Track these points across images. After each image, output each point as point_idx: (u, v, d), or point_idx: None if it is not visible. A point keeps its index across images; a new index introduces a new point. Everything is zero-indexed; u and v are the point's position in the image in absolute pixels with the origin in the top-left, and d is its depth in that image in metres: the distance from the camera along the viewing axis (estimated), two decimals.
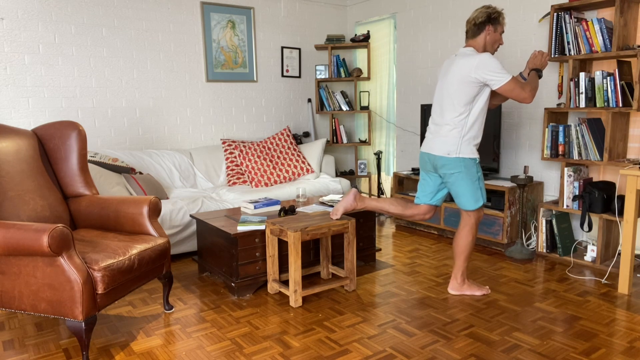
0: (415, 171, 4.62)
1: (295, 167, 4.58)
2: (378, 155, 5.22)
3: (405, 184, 4.71)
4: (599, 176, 3.62)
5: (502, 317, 2.64)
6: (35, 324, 2.65)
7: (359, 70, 5.22)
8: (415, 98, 5.01)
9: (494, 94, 2.91)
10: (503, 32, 2.81)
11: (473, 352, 2.28)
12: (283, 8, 5.15)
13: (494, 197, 3.81)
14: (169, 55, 4.49)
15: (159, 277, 2.69)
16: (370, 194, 5.53)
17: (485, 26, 2.74)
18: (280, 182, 4.48)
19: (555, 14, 3.47)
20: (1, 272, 2.20)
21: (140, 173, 3.99)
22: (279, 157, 4.59)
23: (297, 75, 5.33)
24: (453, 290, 2.98)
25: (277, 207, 3.41)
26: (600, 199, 3.28)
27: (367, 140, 5.31)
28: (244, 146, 4.58)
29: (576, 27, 3.38)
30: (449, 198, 4.08)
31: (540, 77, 2.80)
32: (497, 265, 3.49)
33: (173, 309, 2.82)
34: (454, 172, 2.76)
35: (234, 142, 4.66)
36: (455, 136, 2.73)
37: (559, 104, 3.66)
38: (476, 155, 2.77)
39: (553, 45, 3.50)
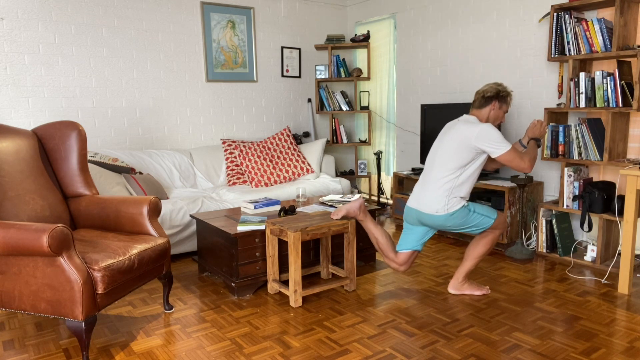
0: (415, 171, 4.62)
1: (295, 167, 4.58)
2: (378, 155, 5.22)
3: (405, 184, 4.71)
4: (599, 176, 3.62)
5: (502, 317, 2.64)
6: (35, 324, 2.65)
7: (359, 70, 5.22)
8: (415, 98, 5.01)
9: (492, 159, 2.92)
10: (507, 111, 2.86)
11: (473, 352, 2.28)
12: (283, 8, 5.15)
13: (494, 197, 3.81)
14: (169, 55, 4.49)
15: (159, 277, 2.70)
16: (370, 194, 5.53)
17: (492, 101, 2.78)
18: (280, 182, 4.48)
19: (555, 14, 3.47)
20: (1, 272, 2.20)
21: (140, 173, 3.99)
22: (279, 157, 4.59)
23: (297, 75, 5.33)
24: (453, 289, 2.98)
25: (277, 207, 3.41)
26: (600, 199, 3.28)
27: (367, 140, 5.31)
28: (244, 146, 4.58)
29: (576, 27, 3.38)
30: None
31: (539, 146, 2.84)
32: (497, 265, 3.49)
33: (173, 309, 2.82)
34: (448, 225, 2.77)
35: (234, 142, 4.66)
36: (442, 195, 2.73)
37: (559, 104, 3.66)
38: (464, 203, 2.76)
39: (553, 45, 3.50)
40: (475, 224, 2.79)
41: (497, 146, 2.63)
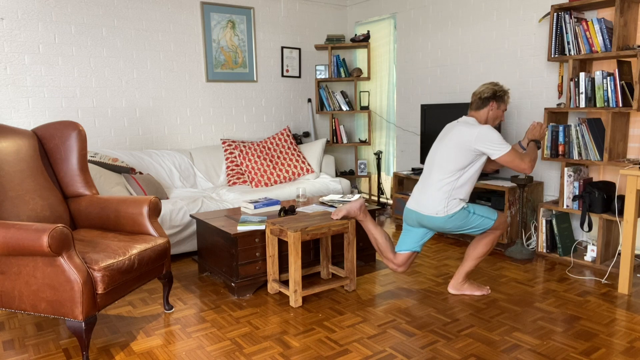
0: (415, 171, 4.62)
1: (295, 167, 4.58)
2: (378, 155, 5.22)
3: (405, 184, 4.71)
4: (599, 176, 3.62)
5: (502, 317, 2.64)
6: (35, 324, 2.65)
7: (359, 70, 5.22)
8: (415, 98, 5.01)
9: (492, 160, 2.92)
10: (505, 109, 2.85)
11: (473, 352, 2.28)
12: (283, 8, 5.15)
13: (494, 197, 3.81)
14: (169, 55, 4.49)
15: (159, 277, 2.70)
16: (370, 194, 5.53)
17: (490, 102, 2.77)
18: (280, 182, 4.48)
19: (555, 14, 3.47)
20: (1, 272, 2.20)
21: (140, 173, 3.99)
22: (279, 157, 4.59)
23: (297, 75, 5.33)
24: (453, 289, 2.98)
25: (277, 207, 3.41)
26: (600, 199, 3.28)
27: (367, 140, 5.31)
28: (244, 146, 4.58)
29: (576, 27, 3.38)
30: None
31: (538, 147, 2.83)
32: (497, 265, 3.49)
33: (173, 309, 2.82)
34: (448, 227, 2.77)
35: (234, 142, 4.66)
36: (442, 197, 2.72)
37: (559, 104, 3.66)
38: (463, 205, 2.75)
39: (553, 45, 3.50)
40: (475, 226, 2.78)
41: (497, 147, 2.63)
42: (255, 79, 5.04)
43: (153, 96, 4.45)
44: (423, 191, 2.82)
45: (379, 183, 5.27)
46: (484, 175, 4.20)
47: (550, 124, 3.56)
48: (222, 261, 3.08)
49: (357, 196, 3.56)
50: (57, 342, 2.44)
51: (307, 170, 4.61)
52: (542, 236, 3.64)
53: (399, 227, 4.60)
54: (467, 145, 2.67)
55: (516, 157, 2.65)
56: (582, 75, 3.34)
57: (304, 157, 4.67)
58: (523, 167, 2.66)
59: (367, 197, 5.62)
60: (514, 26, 4.04)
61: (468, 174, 2.73)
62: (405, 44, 5.03)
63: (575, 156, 3.44)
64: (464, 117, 2.85)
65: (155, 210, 2.73)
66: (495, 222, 2.80)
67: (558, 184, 3.87)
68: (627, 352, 2.25)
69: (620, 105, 3.19)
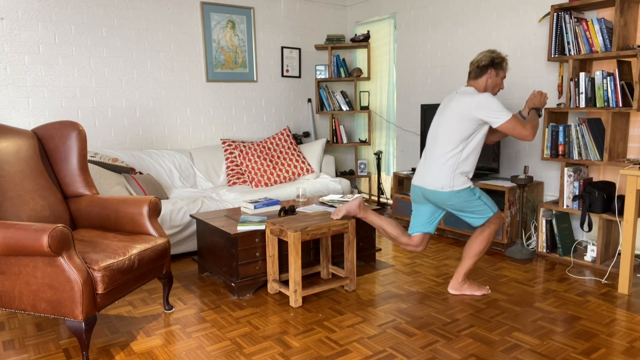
0: (415, 171, 4.62)
1: (295, 167, 4.58)
2: (378, 155, 5.22)
3: (405, 184, 4.71)
4: (599, 176, 3.62)
5: (502, 317, 2.64)
6: (35, 324, 2.65)
7: (359, 70, 5.22)
8: (415, 98, 5.01)
9: (493, 130, 2.91)
10: (505, 77, 2.82)
11: (473, 352, 2.28)
12: (283, 8, 5.15)
13: (494, 197, 3.81)
14: (169, 55, 4.49)
15: (159, 277, 2.70)
16: (370, 194, 5.53)
17: (488, 70, 2.74)
18: (280, 182, 4.48)
19: (555, 14, 3.47)
20: (1, 272, 2.20)
21: (140, 173, 3.99)
22: (279, 157, 4.59)
23: (297, 75, 5.33)
24: (453, 289, 2.98)
25: (277, 207, 3.41)
26: (600, 199, 3.28)
27: (367, 140, 5.31)
28: (244, 146, 4.58)
29: (576, 27, 3.38)
30: None
31: (540, 115, 2.80)
32: (497, 265, 3.49)
33: (173, 309, 2.82)
34: (451, 203, 2.76)
35: (234, 142, 4.66)
36: (447, 171, 2.71)
37: (559, 104, 3.66)
38: (469, 184, 2.75)
39: (553, 45, 3.50)
40: (475, 211, 2.77)
41: (498, 115, 2.60)
42: (255, 79, 5.04)
43: (153, 96, 4.45)
44: (428, 166, 2.81)
45: (379, 183, 5.27)
46: (483, 175, 4.20)
47: (550, 123, 3.56)
48: (222, 261, 3.08)
49: (356, 195, 3.56)
50: (57, 342, 2.44)
51: (307, 170, 4.61)
52: (542, 236, 3.64)
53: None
54: (468, 114, 2.64)
55: (518, 124, 2.62)
56: (582, 75, 3.34)
57: (304, 157, 4.67)
58: (525, 133, 2.63)
59: (367, 197, 5.62)
60: (514, 26, 4.04)
61: (472, 145, 2.71)
62: (405, 44, 5.03)
63: (575, 156, 3.44)
64: (462, 87, 2.82)
65: (155, 210, 2.73)
66: (493, 215, 2.80)
67: (558, 184, 3.87)
68: (627, 352, 2.25)
69: (620, 105, 3.19)
